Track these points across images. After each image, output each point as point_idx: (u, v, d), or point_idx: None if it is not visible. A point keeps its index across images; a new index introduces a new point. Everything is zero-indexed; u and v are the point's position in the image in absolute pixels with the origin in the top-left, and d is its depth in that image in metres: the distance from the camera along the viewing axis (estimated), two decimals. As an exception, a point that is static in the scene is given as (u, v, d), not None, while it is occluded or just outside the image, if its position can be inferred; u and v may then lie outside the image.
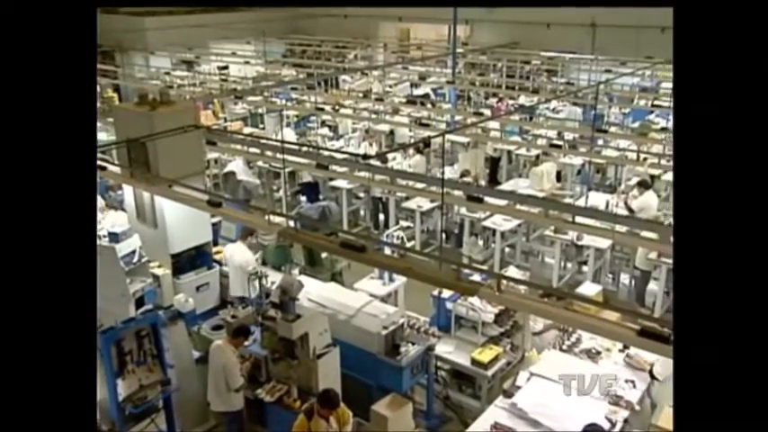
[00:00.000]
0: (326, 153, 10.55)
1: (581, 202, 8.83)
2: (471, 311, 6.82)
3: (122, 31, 20.12)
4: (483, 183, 12.08)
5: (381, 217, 11.97)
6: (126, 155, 7.16)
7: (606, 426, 5.24)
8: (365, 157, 8.93)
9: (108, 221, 7.67)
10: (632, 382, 5.91)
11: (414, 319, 6.89)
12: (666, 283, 8.68)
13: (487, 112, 14.26)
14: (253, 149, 11.05)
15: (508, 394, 5.72)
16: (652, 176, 10.59)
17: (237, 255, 7.78)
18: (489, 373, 6.56)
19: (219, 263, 8.07)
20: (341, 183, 11.58)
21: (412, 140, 13.73)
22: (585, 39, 19.37)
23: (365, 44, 23.36)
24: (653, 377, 5.92)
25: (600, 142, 12.35)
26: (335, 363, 6.12)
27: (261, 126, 16.29)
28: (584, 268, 9.48)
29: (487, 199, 7.49)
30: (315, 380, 5.96)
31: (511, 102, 16.34)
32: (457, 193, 7.93)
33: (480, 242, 10.57)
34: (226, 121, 16.48)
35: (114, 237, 7.16)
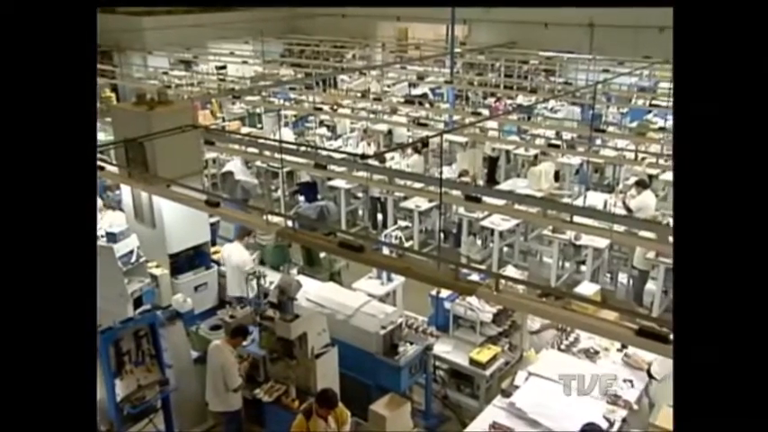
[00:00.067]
0: (325, 153, 10.56)
1: (579, 202, 8.85)
2: (469, 311, 6.82)
3: (120, 31, 20.07)
4: (481, 182, 12.10)
5: (380, 217, 11.97)
6: (124, 155, 7.15)
7: (604, 425, 5.24)
8: (363, 156, 8.92)
9: (106, 221, 7.64)
10: (630, 381, 5.92)
11: (412, 319, 6.90)
12: (664, 283, 8.69)
13: (485, 112, 14.28)
14: (251, 149, 11.03)
15: (506, 394, 5.72)
16: (650, 176, 10.59)
17: (235, 255, 7.78)
18: (487, 372, 6.56)
19: (218, 263, 8.06)
20: (339, 182, 11.57)
21: (410, 140, 13.74)
22: (583, 38, 19.40)
23: (363, 44, 23.37)
24: (651, 376, 5.92)
25: (598, 142, 12.38)
26: (334, 362, 6.12)
27: (259, 126, 16.28)
28: (583, 268, 9.48)
29: (486, 199, 7.50)
30: (313, 380, 5.97)
31: (509, 101, 16.34)
32: (455, 192, 7.94)
33: (478, 242, 10.58)
34: (224, 120, 16.47)
35: (112, 237, 7.14)
